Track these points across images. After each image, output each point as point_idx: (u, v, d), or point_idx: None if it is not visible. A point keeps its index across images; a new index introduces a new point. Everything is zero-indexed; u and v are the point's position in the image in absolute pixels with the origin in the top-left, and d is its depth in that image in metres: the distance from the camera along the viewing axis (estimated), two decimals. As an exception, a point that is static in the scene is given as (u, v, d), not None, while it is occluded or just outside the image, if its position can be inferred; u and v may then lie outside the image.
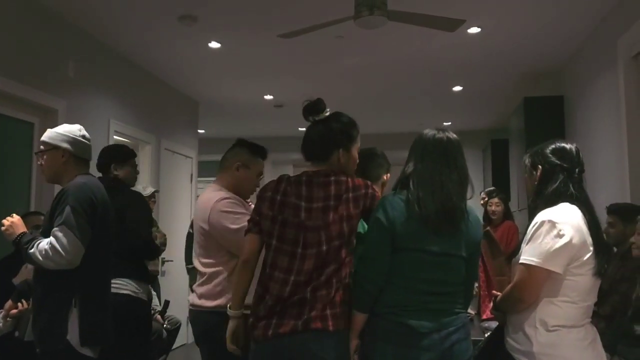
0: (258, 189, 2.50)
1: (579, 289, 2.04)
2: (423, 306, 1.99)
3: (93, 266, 2.50)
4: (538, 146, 2.27)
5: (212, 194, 2.71)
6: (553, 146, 2.20)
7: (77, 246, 2.39)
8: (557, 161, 2.16)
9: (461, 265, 2.06)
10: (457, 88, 6.71)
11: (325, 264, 2.08)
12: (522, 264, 2.05)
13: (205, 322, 2.64)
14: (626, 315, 2.98)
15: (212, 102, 7.31)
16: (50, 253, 2.37)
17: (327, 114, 2.25)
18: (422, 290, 2.00)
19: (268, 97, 7.12)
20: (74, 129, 2.66)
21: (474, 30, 4.75)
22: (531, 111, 5.81)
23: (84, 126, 2.72)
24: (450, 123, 8.68)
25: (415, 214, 1.99)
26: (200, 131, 7.78)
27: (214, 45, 5.14)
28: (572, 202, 2.10)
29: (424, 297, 2.00)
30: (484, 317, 3.15)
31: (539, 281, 2.02)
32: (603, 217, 3.55)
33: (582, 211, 2.08)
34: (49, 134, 2.63)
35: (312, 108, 2.24)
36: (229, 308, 2.28)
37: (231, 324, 2.26)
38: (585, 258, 2.03)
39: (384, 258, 2.01)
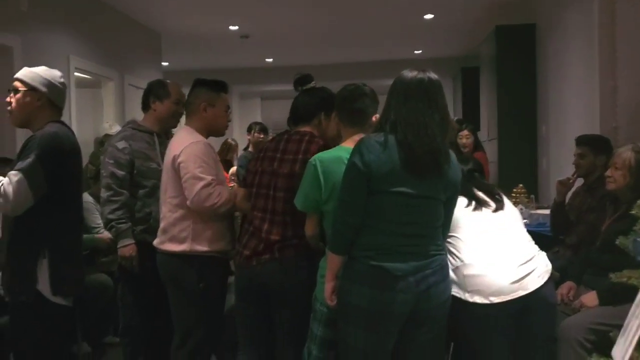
0: (229, 123, 2.83)
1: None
2: (399, 249, 2.01)
3: (63, 217, 2.43)
4: None
5: (189, 136, 2.68)
6: None
7: (26, 197, 2.28)
8: None
9: (438, 208, 2.07)
10: (429, 16, 6.57)
11: (293, 206, 2.37)
12: None
13: (170, 266, 2.68)
14: (593, 245, 3.06)
15: (175, 33, 7.04)
16: None
17: (314, 84, 2.61)
18: (398, 232, 2.01)
19: (233, 27, 6.88)
20: (55, 74, 2.50)
21: (446, -44, 4.60)
22: (503, 39, 5.74)
23: (42, 64, 2.56)
24: (420, 51, 8.58)
25: (396, 157, 1.97)
26: (164, 64, 7.53)
27: (176, -26, 4.88)
28: None
29: (399, 240, 2.01)
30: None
31: None
32: (572, 148, 3.59)
33: None
34: (28, 74, 2.45)
35: (302, 79, 2.61)
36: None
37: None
38: None
39: (359, 201, 2.00)
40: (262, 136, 5.55)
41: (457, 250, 2.33)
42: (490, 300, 2.21)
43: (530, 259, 2.34)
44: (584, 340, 2.58)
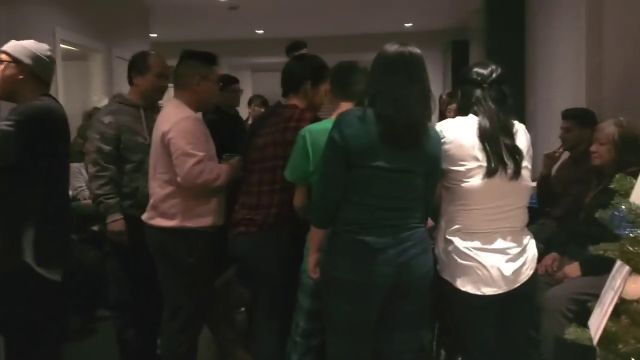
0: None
1: (469, 194, 2.16)
2: (379, 222, 2.03)
3: (49, 189, 2.41)
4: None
5: (178, 110, 2.65)
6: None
7: None
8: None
9: (417, 181, 2.08)
10: (419, -12, 6.53)
11: (262, 180, 2.50)
12: None
13: (159, 240, 2.70)
14: (577, 217, 3.10)
15: (163, 5, 6.94)
16: None
17: (305, 52, 2.67)
18: (378, 206, 2.04)
19: (222, -2, 6.80)
20: (42, 47, 2.47)
21: None
22: (493, 11, 5.73)
23: (28, 36, 2.53)
24: (411, 24, 8.52)
25: (374, 131, 1.99)
26: (152, 36, 7.44)
27: (162, -56, 4.80)
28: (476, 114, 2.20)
29: (379, 213, 2.04)
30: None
31: None
32: (559, 122, 3.61)
33: (481, 121, 2.17)
34: (13, 46, 2.42)
35: (294, 46, 2.69)
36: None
37: None
38: (468, 163, 2.13)
39: (338, 175, 2.03)
40: (262, 109, 5.32)
41: (453, 235, 2.22)
42: (482, 292, 2.16)
43: (524, 249, 2.24)
44: (566, 310, 2.63)
